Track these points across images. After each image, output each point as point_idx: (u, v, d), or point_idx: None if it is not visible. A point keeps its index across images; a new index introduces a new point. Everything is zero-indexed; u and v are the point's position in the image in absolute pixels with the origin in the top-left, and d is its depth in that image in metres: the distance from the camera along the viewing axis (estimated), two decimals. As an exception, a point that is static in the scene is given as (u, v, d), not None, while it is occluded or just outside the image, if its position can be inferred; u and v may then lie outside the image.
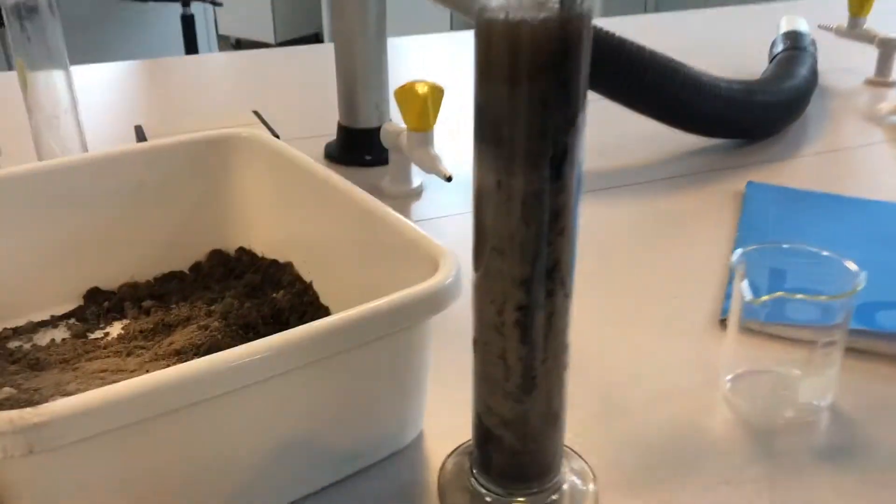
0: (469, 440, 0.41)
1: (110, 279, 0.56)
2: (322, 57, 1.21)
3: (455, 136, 0.87)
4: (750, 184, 0.74)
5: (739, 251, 0.46)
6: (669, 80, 0.76)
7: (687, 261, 0.64)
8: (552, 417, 0.38)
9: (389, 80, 0.78)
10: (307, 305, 0.53)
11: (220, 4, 2.57)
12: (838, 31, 1.11)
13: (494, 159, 0.33)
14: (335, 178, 0.52)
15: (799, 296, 0.43)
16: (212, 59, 1.46)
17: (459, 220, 0.69)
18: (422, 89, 0.65)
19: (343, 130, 0.80)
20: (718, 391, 0.49)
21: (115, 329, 0.53)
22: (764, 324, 0.47)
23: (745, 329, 0.48)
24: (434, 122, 0.67)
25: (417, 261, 0.42)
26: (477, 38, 0.32)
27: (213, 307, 0.54)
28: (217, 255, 0.59)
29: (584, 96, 0.32)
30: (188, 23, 2.46)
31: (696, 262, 0.63)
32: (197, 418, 0.34)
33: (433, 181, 0.76)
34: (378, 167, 0.79)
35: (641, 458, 0.44)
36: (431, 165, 0.66)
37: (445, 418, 0.45)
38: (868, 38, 1.08)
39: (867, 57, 1.11)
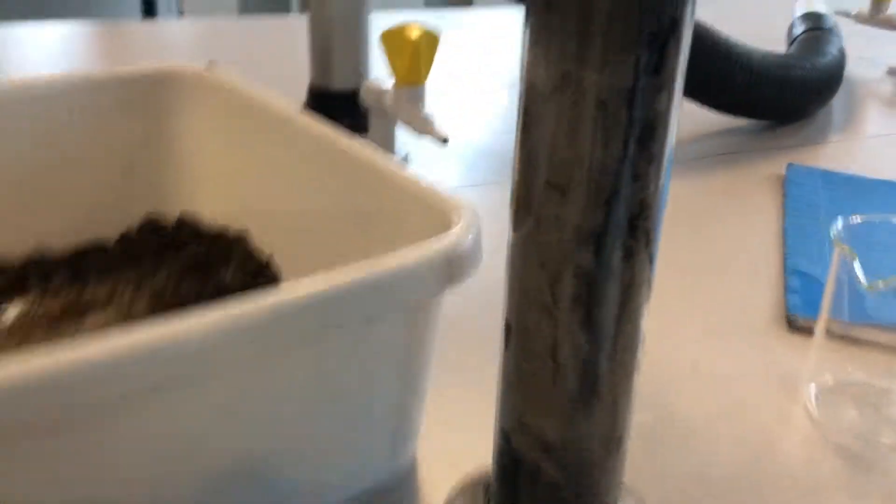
0: (480, 468, 0.29)
1: (11, 246, 0.43)
2: (293, 29, 1.09)
3: (448, 95, 0.75)
4: (791, 166, 0.64)
5: (840, 221, 0.35)
6: (697, 44, 0.65)
7: (731, 250, 0.53)
8: (615, 442, 0.26)
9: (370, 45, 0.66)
10: (264, 287, 0.41)
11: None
12: (859, 17, 1.02)
13: (560, 39, 0.21)
14: (307, 119, 0.40)
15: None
16: (173, 26, 1.34)
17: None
18: (414, 34, 0.53)
19: (315, 93, 0.68)
20: (798, 408, 0.38)
21: (12, 311, 0.41)
22: (853, 325, 0.36)
23: (830, 330, 0.37)
24: (427, 74, 0.55)
25: (423, 220, 0.31)
26: None
27: (141, 288, 0.42)
28: (151, 223, 0.47)
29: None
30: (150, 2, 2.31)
31: (742, 250, 0.52)
32: (77, 436, 0.22)
33: (420, 150, 0.65)
34: (356, 135, 0.67)
35: (708, 492, 0.33)
36: (423, 126, 0.54)
37: (441, 439, 0.33)
38: (893, 24, 0.99)
39: (888, 45, 1.02)
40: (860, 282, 0.33)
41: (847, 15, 1.03)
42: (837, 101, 0.87)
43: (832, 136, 0.77)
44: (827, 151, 0.73)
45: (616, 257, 0.23)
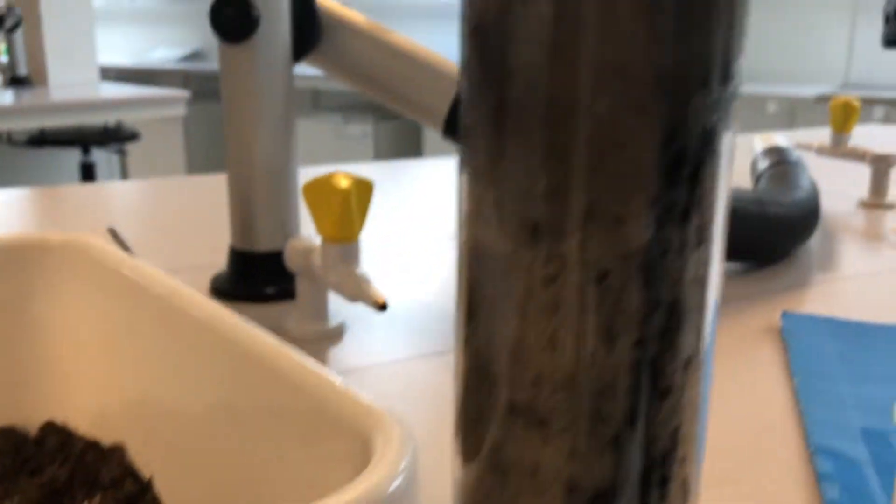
0: None
1: None
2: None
3: (386, 247, 0.67)
4: (786, 315, 0.56)
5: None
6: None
7: (735, 423, 0.43)
8: None
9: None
10: (142, 521, 0.31)
11: (125, 153, 2.39)
12: (820, 150, 0.98)
13: (520, 173, 0.12)
14: (204, 306, 0.31)
15: None
16: (113, 188, 1.26)
17: (399, 370, 0.48)
18: (342, 183, 0.45)
19: (236, 256, 0.59)
20: None
21: None
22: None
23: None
24: (360, 229, 0.47)
25: (337, 439, 0.21)
26: None
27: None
28: (7, 435, 0.37)
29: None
30: (88, 171, 2.26)
31: (749, 424, 0.43)
32: None
33: (358, 316, 0.55)
34: (283, 302, 0.58)
35: None
36: (356, 290, 0.45)
37: None
38: (857, 155, 0.95)
39: (851, 177, 0.98)
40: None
41: (809, 148, 0.99)
42: (815, 238, 0.81)
43: (815, 277, 0.70)
44: (813, 294, 0.65)
45: (636, 529, 0.13)
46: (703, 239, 0.12)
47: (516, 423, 0.13)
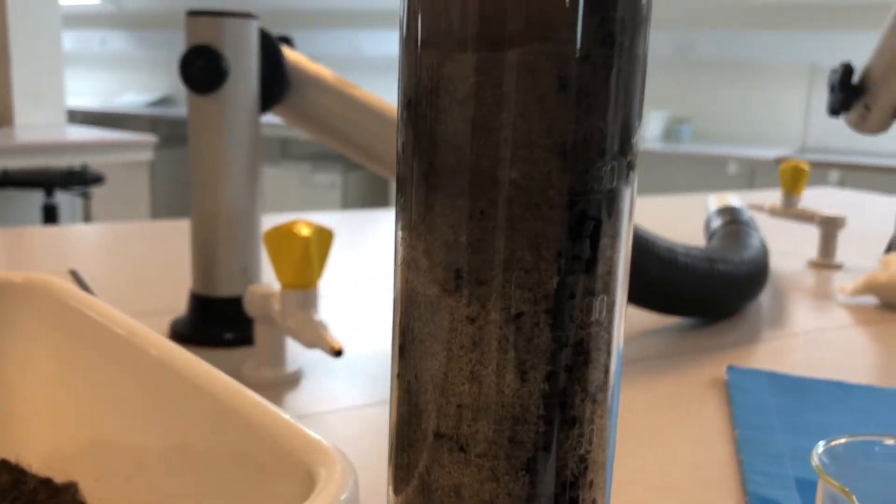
0: None
1: None
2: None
3: (345, 295, 0.68)
4: (731, 369, 0.58)
5: (821, 447, 0.28)
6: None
7: (677, 471, 0.45)
8: None
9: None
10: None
11: (89, 196, 2.38)
12: (773, 211, 1.02)
13: (446, 226, 0.14)
14: (159, 345, 0.32)
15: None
16: (75, 231, 1.26)
17: (354, 415, 0.49)
18: (302, 231, 0.47)
19: (196, 301, 0.60)
20: None
21: None
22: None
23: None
24: (319, 276, 0.48)
25: (285, 472, 0.22)
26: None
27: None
28: (-40, 473, 0.37)
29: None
30: (51, 214, 2.25)
31: (690, 473, 0.45)
32: None
33: (316, 363, 0.56)
34: (243, 348, 0.58)
35: None
36: (313, 336, 0.47)
37: None
38: (807, 216, 0.98)
39: (802, 237, 1.02)
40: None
41: (761, 209, 1.03)
42: (764, 296, 0.83)
43: (765, 334, 0.73)
44: (762, 350, 0.68)
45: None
46: (606, 286, 0.14)
47: (441, 448, 0.14)
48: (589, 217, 0.13)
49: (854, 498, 0.26)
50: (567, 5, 0.13)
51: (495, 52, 0.12)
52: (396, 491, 0.16)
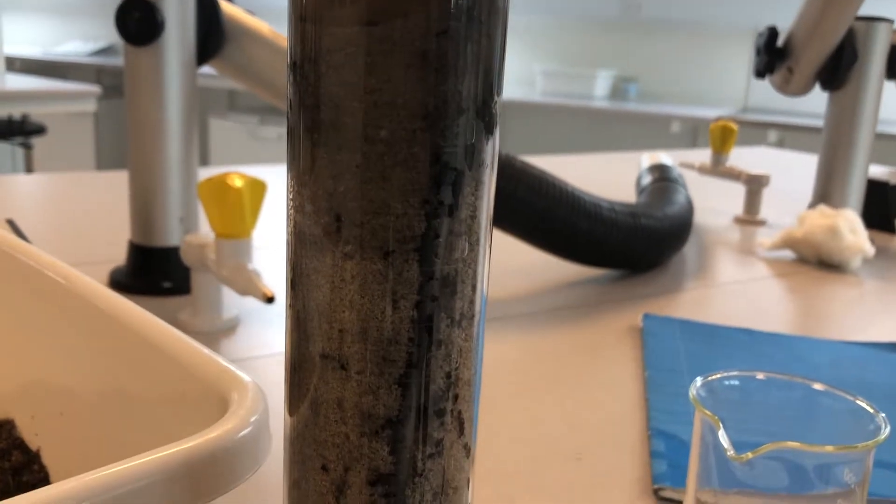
0: None
1: None
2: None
3: (279, 246, 0.70)
4: (647, 316, 0.61)
5: (699, 381, 0.31)
6: (541, 194, 0.63)
7: (589, 409, 0.48)
8: None
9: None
10: (30, 487, 0.33)
11: (30, 147, 2.34)
12: (702, 169, 1.05)
13: (328, 174, 0.16)
14: (84, 284, 0.33)
15: (808, 447, 0.28)
16: (11, 180, 1.25)
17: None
18: (236, 182, 0.48)
19: (135, 250, 0.61)
20: None
21: None
22: (727, 493, 0.32)
23: (700, 500, 0.32)
24: (252, 226, 0.50)
25: (203, 401, 0.25)
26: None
27: None
28: None
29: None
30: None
31: (601, 410, 0.48)
32: None
33: (252, 311, 0.58)
34: (181, 296, 0.60)
35: None
36: (246, 284, 0.49)
37: None
38: (734, 174, 1.02)
39: (729, 195, 1.06)
40: (727, 451, 0.28)
41: (691, 167, 1.07)
42: (689, 250, 0.87)
43: (686, 285, 0.76)
44: (682, 300, 0.71)
45: (421, 454, 0.17)
46: (469, 228, 0.16)
47: (326, 367, 0.17)
48: (450, 168, 0.15)
49: (721, 424, 0.29)
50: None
51: (365, 27, 0.14)
52: (291, 411, 0.18)
